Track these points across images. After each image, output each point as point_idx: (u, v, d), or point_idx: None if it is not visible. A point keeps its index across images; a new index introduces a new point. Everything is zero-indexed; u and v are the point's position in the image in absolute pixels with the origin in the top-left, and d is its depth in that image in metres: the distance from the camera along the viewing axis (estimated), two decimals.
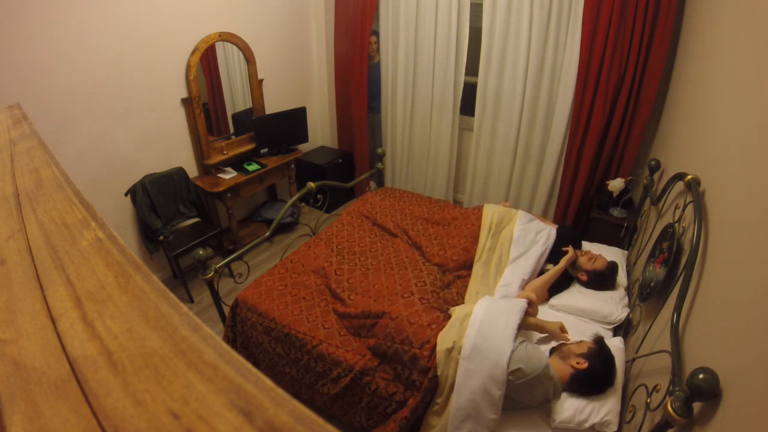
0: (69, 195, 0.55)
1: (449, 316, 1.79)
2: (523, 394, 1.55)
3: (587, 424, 1.49)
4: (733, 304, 1.09)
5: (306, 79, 3.88)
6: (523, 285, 2.11)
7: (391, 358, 1.69)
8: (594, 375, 1.55)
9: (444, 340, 1.62)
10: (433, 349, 1.62)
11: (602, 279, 2.08)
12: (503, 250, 2.29)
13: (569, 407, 1.52)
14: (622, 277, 2.17)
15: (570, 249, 2.19)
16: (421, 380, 1.60)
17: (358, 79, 3.57)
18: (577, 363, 1.57)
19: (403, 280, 2.02)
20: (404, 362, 1.65)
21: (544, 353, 1.64)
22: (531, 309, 1.82)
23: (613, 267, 2.10)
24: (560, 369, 1.59)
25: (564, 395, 1.57)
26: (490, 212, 2.43)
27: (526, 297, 1.82)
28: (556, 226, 2.46)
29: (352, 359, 1.73)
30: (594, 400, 1.53)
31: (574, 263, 2.16)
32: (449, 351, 1.58)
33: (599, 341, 1.64)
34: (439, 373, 1.58)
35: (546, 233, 2.31)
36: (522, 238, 2.29)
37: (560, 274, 2.14)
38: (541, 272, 2.24)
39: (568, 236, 2.33)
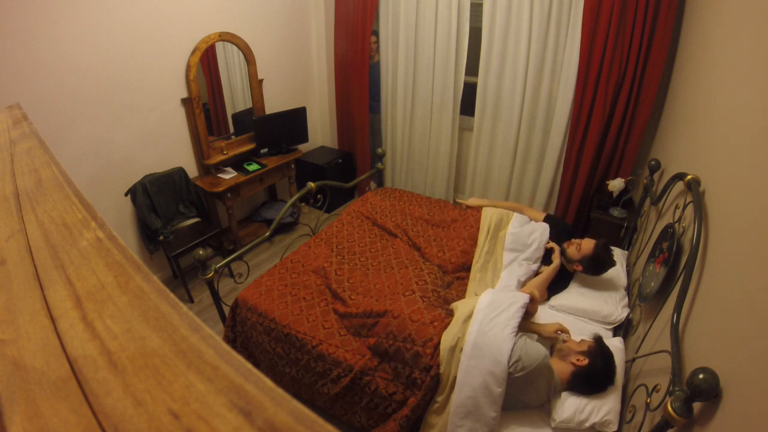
0: (69, 195, 0.55)
1: (451, 313, 1.79)
2: (524, 389, 1.55)
3: (587, 424, 1.49)
4: (733, 303, 1.09)
5: (306, 79, 3.87)
6: (520, 287, 2.12)
7: (392, 356, 1.69)
8: (595, 372, 1.55)
9: (448, 337, 1.63)
10: (436, 346, 1.62)
11: (597, 261, 2.04)
12: (498, 253, 2.30)
13: (570, 407, 1.52)
14: (622, 277, 2.17)
15: (553, 245, 2.21)
16: (423, 378, 1.61)
17: (360, 79, 3.57)
18: (578, 360, 1.58)
19: (403, 279, 2.02)
20: (406, 360, 1.65)
21: (543, 347, 1.64)
22: (531, 306, 1.82)
23: (603, 245, 2.04)
24: (561, 368, 1.59)
25: (565, 394, 1.57)
26: (489, 214, 2.43)
27: (530, 293, 1.81)
28: (544, 215, 2.47)
29: (352, 359, 1.73)
30: (594, 400, 1.53)
31: (566, 257, 2.16)
32: (452, 349, 1.59)
33: (598, 339, 1.65)
34: (441, 371, 1.58)
35: (538, 235, 2.30)
36: (513, 243, 2.29)
37: (560, 275, 2.15)
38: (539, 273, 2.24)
39: (559, 230, 2.33)
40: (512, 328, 1.58)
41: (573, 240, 2.17)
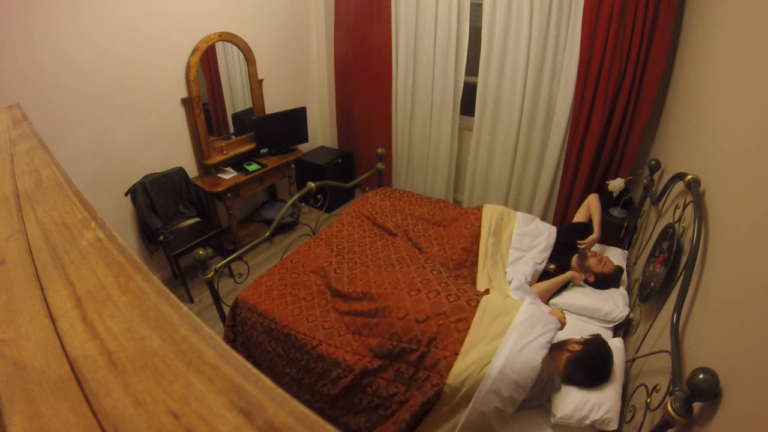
0: (69, 195, 0.55)
1: (459, 309, 1.75)
2: (529, 400, 1.55)
3: (587, 421, 1.49)
4: (733, 304, 1.09)
5: (306, 79, 3.87)
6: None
7: (395, 357, 1.68)
8: (588, 358, 1.58)
9: (471, 351, 1.56)
10: (431, 343, 1.61)
11: (608, 281, 2.12)
12: (503, 251, 2.31)
13: (570, 403, 1.52)
14: (622, 277, 2.18)
15: (582, 276, 2.17)
16: (427, 381, 1.59)
17: (380, 74, 3.52)
18: (573, 347, 1.63)
19: (405, 277, 2.01)
20: (410, 362, 1.64)
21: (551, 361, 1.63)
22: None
23: (620, 271, 2.15)
24: (557, 357, 1.63)
25: (565, 390, 1.57)
26: (489, 213, 2.44)
27: (561, 318, 1.74)
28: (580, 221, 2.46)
29: (351, 359, 1.73)
30: (595, 397, 1.53)
31: (583, 263, 2.17)
32: (470, 365, 1.53)
33: (596, 334, 1.71)
34: (449, 382, 1.52)
35: (545, 237, 2.32)
36: (519, 243, 2.32)
37: (561, 271, 2.17)
38: (544, 272, 2.25)
39: (570, 238, 2.34)
40: (542, 356, 1.53)
41: (597, 253, 2.19)
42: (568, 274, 2.15)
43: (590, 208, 2.41)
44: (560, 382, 1.59)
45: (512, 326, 1.60)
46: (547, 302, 2.11)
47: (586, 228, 2.37)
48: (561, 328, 1.69)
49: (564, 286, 2.16)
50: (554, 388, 1.58)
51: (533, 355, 1.51)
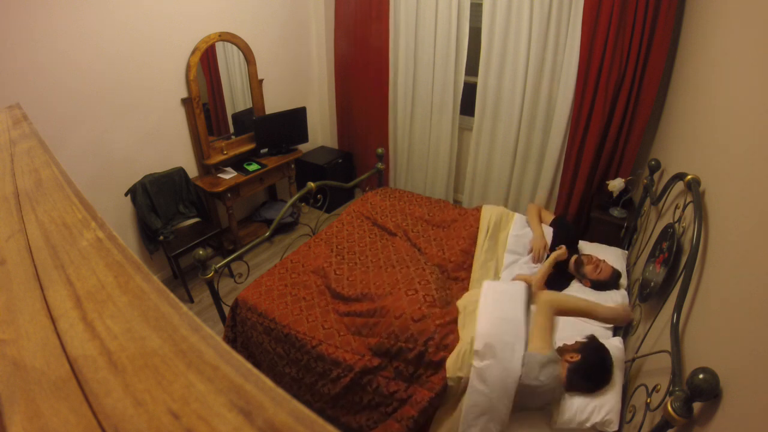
0: (69, 195, 0.55)
1: (456, 312, 1.79)
2: (532, 398, 1.55)
3: (588, 424, 1.49)
4: (733, 304, 1.09)
5: (306, 79, 3.87)
6: None
7: (394, 356, 1.69)
8: (588, 365, 1.55)
9: (461, 343, 1.64)
10: (445, 347, 1.63)
11: (604, 287, 2.10)
12: (499, 254, 2.30)
13: (570, 407, 1.51)
14: (622, 278, 2.17)
15: (563, 249, 2.17)
16: (431, 379, 1.61)
17: (380, 74, 3.53)
18: (571, 357, 1.58)
19: (405, 277, 2.02)
20: (409, 360, 1.65)
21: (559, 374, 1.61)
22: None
23: (617, 276, 2.11)
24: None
25: (566, 396, 1.56)
26: (488, 214, 2.44)
27: (524, 279, 1.83)
28: (554, 217, 2.46)
29: (351, 359, 1.73)
30: (596, 399, 1.53)
31: (579, 269, 2.15)
32: (465, 353, 1.59)
33: (590, 336, 1.66)
34: (451, 375, 1.59)
35: None
36: (515, 245, 2.31)
37: (561, 275, 2.15)
38: None
39: (566, 236, 2.33)
40: (522, 319, 1.60)
41: (592, 258, 2.15)
42: (552, 256, 2.13)
43: (529, 217, 2.45)
44: (563, 391, 1.56)
45: (479, 311, 1.69)
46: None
47: (571, 224, 2.41)
48: (529, 288, 1.80)
49: (564, 285, 2.15)
50: (555, 397, 1.56)
51: (511, 319, 1.62)
